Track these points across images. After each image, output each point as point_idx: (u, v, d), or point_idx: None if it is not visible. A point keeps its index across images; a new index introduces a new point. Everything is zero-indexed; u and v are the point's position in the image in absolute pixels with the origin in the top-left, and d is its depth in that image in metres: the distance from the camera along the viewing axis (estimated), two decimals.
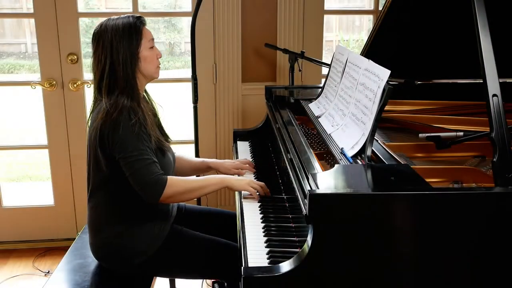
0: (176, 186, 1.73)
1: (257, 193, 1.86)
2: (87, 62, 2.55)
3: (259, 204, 1.83)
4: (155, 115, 1.97)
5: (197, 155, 2.81)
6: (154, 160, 1.71)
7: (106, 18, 1.83)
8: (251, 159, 2.29)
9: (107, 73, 1.76)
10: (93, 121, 1.78)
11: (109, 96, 1.75)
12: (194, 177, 1.85)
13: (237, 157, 2.38)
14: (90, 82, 2.97)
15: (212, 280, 2.38)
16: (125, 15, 1.83)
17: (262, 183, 1.89)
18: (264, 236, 1.61)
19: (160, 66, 1.89)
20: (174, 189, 1.73)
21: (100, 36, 1.79)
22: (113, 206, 1.80)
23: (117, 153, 1.70)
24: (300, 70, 2.85)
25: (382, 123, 2.07)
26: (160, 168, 1.73)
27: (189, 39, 2.66)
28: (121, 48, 1.76)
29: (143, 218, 1.80)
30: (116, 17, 1.82)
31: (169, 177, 1.74)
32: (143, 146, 1.70)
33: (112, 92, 1.75)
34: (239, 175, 2.08)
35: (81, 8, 3.25)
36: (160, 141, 1.81)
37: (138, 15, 1.84)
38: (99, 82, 1.80)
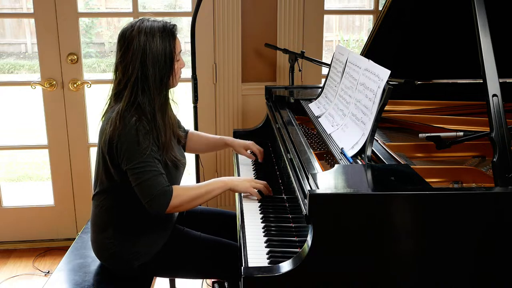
0: (182, 196, 1.71)
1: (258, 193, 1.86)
2: (87, 62, 2.57)
3: (259, 204, 1.83)
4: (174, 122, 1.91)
5: (197, 156, 2.81)
6: (161, 172, 1.68)
7: (138, 19, 1.72)
8: (251, 159, 2.29)
9: (132, 83, 1.67)
10: (104, 126, 1.72)
11: (127, 105, 1.67)
12: (197, 184, 1.83)
13: (237, 157, 2.38)
14: (90, 82, 2.97)
15: (212, 280, 2.39)
16: (159, 20, 1.73)
17: (264, 182, 1.88)
18: (264, 236, 1.61)
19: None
20: (180, 199, 1.71)
21: (131, 40, 1.67)
22: (118, 209, 1.79)
23: (125, 164, 1.66)
24: (300, 70, 2.85)
25: (382, 123, 2.07)
26: (167, 180, 1.69)
27: (189, 39, 2.66)
28: (156, 56, 1.67)
29: (147, 221, 1.79)
30: (149, 18, 1.73)
31: (174, 187, 1.71)
32: (150, 158, 1.65)
33: (132, 103, 1.67)
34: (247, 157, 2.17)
35: (81, 8, 3.25)
36: (175, 159, 1.77)
37: (173, 23, 1.74)
38: (120, 90, 1.71)
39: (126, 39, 1.69)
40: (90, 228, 1.88)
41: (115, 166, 1.70)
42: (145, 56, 1.66)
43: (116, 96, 1.74)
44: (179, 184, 1.87)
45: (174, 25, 1.74)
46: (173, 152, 1.77)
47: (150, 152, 1.65)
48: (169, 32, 1.71)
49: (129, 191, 1.70)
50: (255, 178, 2.04)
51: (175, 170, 1.79)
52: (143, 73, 1.67)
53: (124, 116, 1.65)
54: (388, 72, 1.52)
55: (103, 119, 1.77)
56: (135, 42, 1.66)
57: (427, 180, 1.39)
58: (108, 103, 1.78)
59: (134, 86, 1.67)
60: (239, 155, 2.38)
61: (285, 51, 2.85)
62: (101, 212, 1.81)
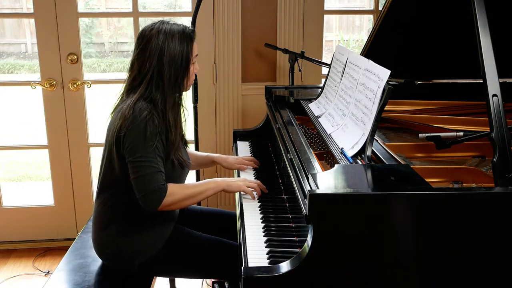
0: (175, 194, 1.72)
1: (255, 193, 1.87)
2: (87, 62, 2.57)
3: (259, 204, 1.83)
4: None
5: None
6: (160, 170, 1.69)
7: (158, 20, 1.76)
8: (242, 170, 2.28)
9: (147, 81, 1.70)
10: (114, 118, 1.74)
11: (140, 98, 1.69)
12: (191, 183, 1.85)
13: None
14: (90, 82, 2.97)
15: (212, 280, 2.39)
16: (179, 23, 1.77)
17: (257, 181, 1.89)
18: (264, 236, 1.61)
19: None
20: (173, 198, 1.72)
21: (150, 38, 1.71)
22: (121, 205, 1.79)
23: (128, 155, 1.68)
24: (300, 70, 2.85)
25: (382, 123, 2.07)
26: (164, 179, 1.70)
27: None
28: (173, 56, 1.70)
29: (148, 219, 1.79)
30: (169, 20, 1.77)
31: (169, 184, 1.72)
32: (153, 154, 1.66)
33: (146, 97, 1.69)
34: (241, 170, 2.12)
35: (81, 8, 3.25)
36: (182, 159, 1.79)
37: (192, 28, 1.79)
38: (134, 86, 1.74)
39: (145, 37, 1.72)
40: (91, 227, 1.88)
41: (120, 158, 1.71)
42: (162, 55, 1.70)
43: (129, 92, 1.76)
44: (183, 183, 1.88)
45: (193, 30, 1.78)
46: (180, 153, 1.79)
47: (155, 148, 1.67)
48: (187, 35, 1.74)
49: (129, 185, 1.71)
50: (255, 179, 2.05)
51: (181, 170, 1.81)
52: (159, 71, 1.70)
53: (135, 108, 1.66)
54: (388, 72, 1.52)
55: (113, 112, 1.79)
56: (153, 40, 1.70)
57: (427, 180, 1.39)
58: (120, 97, 1.80)
59: (150, 83, 1.70)
60: (239, 155, 2.37)
61: (285, 51, 2.85)
62: (104, 209, 1.81)
